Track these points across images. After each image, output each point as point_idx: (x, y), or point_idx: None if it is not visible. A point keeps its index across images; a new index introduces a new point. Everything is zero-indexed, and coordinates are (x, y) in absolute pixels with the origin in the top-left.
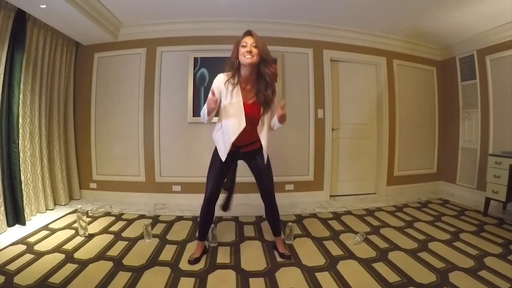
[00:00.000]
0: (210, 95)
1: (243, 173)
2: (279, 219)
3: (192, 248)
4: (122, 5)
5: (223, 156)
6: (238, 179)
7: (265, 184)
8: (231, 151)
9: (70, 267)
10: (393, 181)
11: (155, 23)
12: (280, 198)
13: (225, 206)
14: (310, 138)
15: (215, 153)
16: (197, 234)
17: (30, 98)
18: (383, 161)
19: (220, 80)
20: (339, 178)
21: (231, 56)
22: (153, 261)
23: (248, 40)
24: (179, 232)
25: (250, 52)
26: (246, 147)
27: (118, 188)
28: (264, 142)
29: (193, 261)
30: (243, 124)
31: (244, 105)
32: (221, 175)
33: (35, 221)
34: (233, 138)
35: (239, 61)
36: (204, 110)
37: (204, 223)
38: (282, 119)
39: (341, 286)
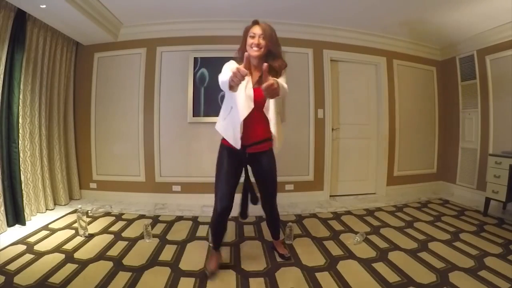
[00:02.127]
0: (236, 70)
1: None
2: (280, 224)
3: (193, 248)
4: (122, 5)
5: (236, 143)
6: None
7: (268, 191)
8: (237, 152)
9: (70, 267)
10: (393, 181)
11: (155, 23)
12: (280, 198)
13: (244, 214)
14: (310, 138)
15: (219, 156)
16: (210, 244)
17: (30, 98)
18: (383, 161)
19: (234, 65)
20: (339, 178)
21: (241, 46)
22: (153, 261)
23: (256, 31)
24: (179, 232)
25: (257, 44)
26: (253, 146)
27: (118, 188)
28: (272, 123)
29: (210, 274)
30: (252, 105)
31: (253, 89)
32: (230, 180)
33: (35, 221)
34: (242, 118)
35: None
36: (225, 81)
37: (217, 234)
38: (268, 89)
39: (341, 286)
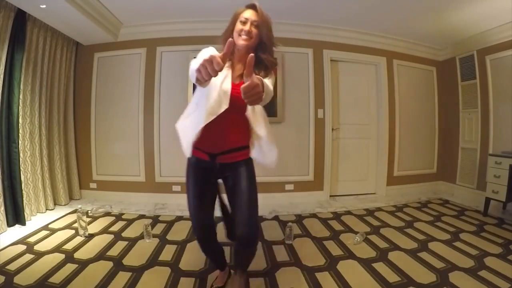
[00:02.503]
0: (209, 58)
1: None
2: (250, 260)
3: (193, 248)
4: (122, 5)
5: (187, 148)
6: None
7: (244, 216)
8: (206, 161)
9: (70, 267)
10: (393, 181)
11: (155, 23)
12: (280, 198)
13: (231, 234)
14: (310, 138)
15: (187, 170)
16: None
17: (30, 98)
18: (383, 161)
19: (214, 52)
20: (339, 178)
21: (226, 31)
22: (153, 261)
23: (249, 16)
24: (179, 232)
25: (248, 32)
26: (225, 155)
27: (118, 188)
28: (261, 130)
29: None
30: (224, 105)
31: (231, 84)
32: (203, 199)
33: (35, 221)
34: (207, 119)
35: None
36: (193, 72)
37: (213, 259)
38: (248, 91)
39: (341, 286)
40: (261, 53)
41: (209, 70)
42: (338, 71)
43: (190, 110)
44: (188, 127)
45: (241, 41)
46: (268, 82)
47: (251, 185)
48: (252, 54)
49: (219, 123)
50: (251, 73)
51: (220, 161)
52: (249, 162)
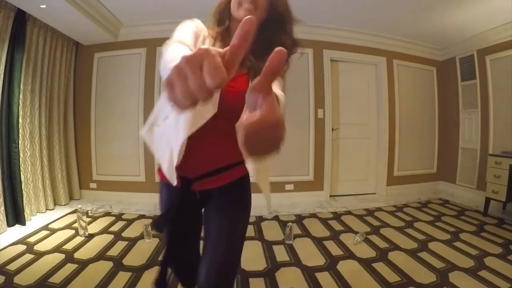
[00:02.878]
0: (192, 58)
1: None
2: None
3: None
4: (122, 5)
5: (171, 175)
6: None
7: (214, 262)
8: (177, 189)
9: (70, 267)
10: (393, 181)
11: (155, 23)
12: (280, 198)
13: (158, 224)
14: (310, 138)
15: (159, 200)
16: None
17: (30, 98)
18: (383, 161)
19: (201, 28)
20: (339, 178)
21: (220, 2)
22: (153, 261)
23: None
24: None
25: (252, 0)
26: (206, 180)
27: (118, 188)
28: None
29: None
30: (212, 109)
31: None
32: (184, 236)
33: (35, 221)
34: (189, 130)
35: (230, 11)
36: (168, 68)
37: None
38: (255, 134)
39: (341, 286)
40: (273, 30)
41: (191, 87)
42: (338, 71)
43: (162, 114)
44: (163, 140)
45: (240, 12)
46: (279, 90)
47: (236, 221)
48: (281, 48)
49: (202, 133)
50: (270, 89)
51: (198, 187)
52: (240, 185)
